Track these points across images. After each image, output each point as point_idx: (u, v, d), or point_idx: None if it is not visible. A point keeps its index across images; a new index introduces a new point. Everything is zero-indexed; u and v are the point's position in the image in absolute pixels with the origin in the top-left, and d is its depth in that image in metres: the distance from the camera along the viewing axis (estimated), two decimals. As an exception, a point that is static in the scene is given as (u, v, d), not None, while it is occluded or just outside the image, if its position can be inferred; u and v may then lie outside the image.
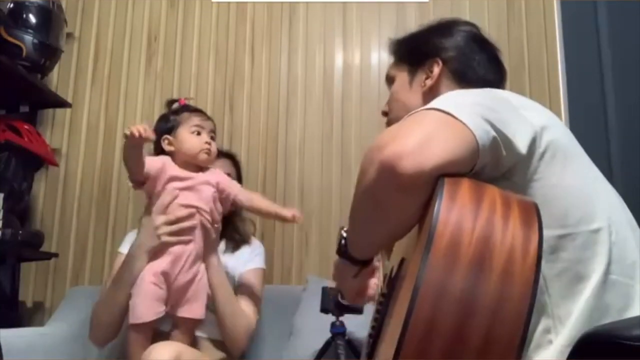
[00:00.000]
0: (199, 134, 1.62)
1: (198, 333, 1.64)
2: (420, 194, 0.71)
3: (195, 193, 1.57)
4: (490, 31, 2.35)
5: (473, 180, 0.70)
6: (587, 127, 2.30)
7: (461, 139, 0.72)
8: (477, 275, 0.60)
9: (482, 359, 0.57)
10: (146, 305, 1.48)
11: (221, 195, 1.62)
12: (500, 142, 0.76)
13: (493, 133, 0.75)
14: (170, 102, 1.73)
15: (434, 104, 0.77)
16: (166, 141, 1.63)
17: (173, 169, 1.58)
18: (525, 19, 2.38)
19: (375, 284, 1.06)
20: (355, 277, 1.00)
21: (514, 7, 2.40)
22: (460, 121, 0.73)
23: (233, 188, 1.65)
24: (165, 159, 1.60)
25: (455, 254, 0.61)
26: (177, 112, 1.67)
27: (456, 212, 0.64)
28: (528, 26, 2.38)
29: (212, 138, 1.65)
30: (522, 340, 0.58)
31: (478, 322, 0.58)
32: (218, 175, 1.65)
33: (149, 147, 1.61)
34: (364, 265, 1.00)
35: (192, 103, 1.73)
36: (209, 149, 1.62)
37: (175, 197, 1.55)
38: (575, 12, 2.39)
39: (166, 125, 1.65)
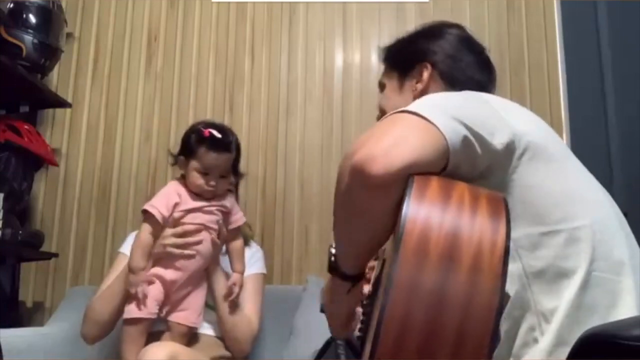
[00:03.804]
0: (205, 174, 1.58)
1: (207, 331, 1.65)
2: (392, 194, 0.72)
3: (205, 213, 1.59)
4: (490, 31, 2.37)
5: (442, 178, 0.71)
6: (587, 127, 2.30)
7: (429, 139, 0.73)
8: (447, 271, 0.61)
9: (457, 352, 0.58)
10: (141, 303, 1.51)
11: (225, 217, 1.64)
12: (475, 142, 0.77)
13: (464, 132, 0.76)
14: (197, 128, 1.63)
15: (408, 106, 0.79)
16: (180, 162, 1.63)
17: (187, 201, 1.59)
18: (525, 19, 2.39)
19: (360, 312, 1.06)
20: (348, 293, 0.99)
21: (514, 7, 2.40)
22: (430, 122, 0.74)
23: (237, 220, 1.66)
24: (179, 191, 1.60)
25: (425, 251, 0.62)
26: (198, 141, 1.59)
27: (425, 210, 0.65)
28: (528, 26, 2.38)
29: (224, 176, 1.61)
30: (494, 331, 0.59)
31: (450, 316, 0.59)
32: (231, 201, 1.66)
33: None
34: (355, 280, 0.99)
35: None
36: (213, 191, 1.60)
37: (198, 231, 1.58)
38: (575, 12, 2.39)
39: (186, 146, 1.63)
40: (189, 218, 1.57)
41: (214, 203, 1.61)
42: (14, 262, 2.15)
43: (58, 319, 1.94)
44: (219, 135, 1.60)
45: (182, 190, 1.60)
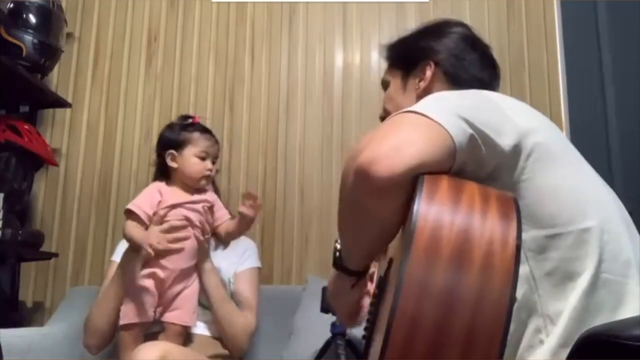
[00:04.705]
0: (203, 159, 1.64)
1: (203, 331, 1.65)
2: (396, 196, 0.71)
3: (188, 209, 1.61)
4: (490, 31, 2.37)
5: (452, 178, 0.71)
6: (587, 127, 2.30)
7: (436, 139, 0.72)
8: (458, 270, 0.61)
9: (468, 350, 0.58)
10: (136, 307, 1.53)
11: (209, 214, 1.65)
12: (479, 140, 0.76)
13: (470, 131, 0.75)
14: (184, 117, 1.74)
15: (413, 106, 0.78)
16: (170, 157, 1.65)
17: (170, 198, 1.61)
18: (525, 19, 2.39)
19: (367, 304, 1.06)
20: (353, 287, 0.99)
21: (514, 7, 2.40)
22: (436, 122, 0.73)
23: (222, 217, 1.68)
24: (160, 189, 1.62)
25: (436, 250, 0.62)
26: (188, 128, 1.67)
27: (435, 209, 0.65)
28: (528, 26, 2.38)
29: (214, 163, 1.69)
30: (505, 329, 0.58)
31: (461, 315, 0.59)
32: (213, 196, 1.69)
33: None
34: (360, 276, 0.99)
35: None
36: (210, 175, 1.66)
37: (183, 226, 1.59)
38: (575, 12, 2.39)
39: (174, 139, 1.66)
40: (173, 214, 1.59)
41: (196, 198, 1.63)
42: (14, 262, 2.14)
43: (58, 319, 1.94)
44: (205, 122, 1.75)
45: (164, 188, 1.63)
